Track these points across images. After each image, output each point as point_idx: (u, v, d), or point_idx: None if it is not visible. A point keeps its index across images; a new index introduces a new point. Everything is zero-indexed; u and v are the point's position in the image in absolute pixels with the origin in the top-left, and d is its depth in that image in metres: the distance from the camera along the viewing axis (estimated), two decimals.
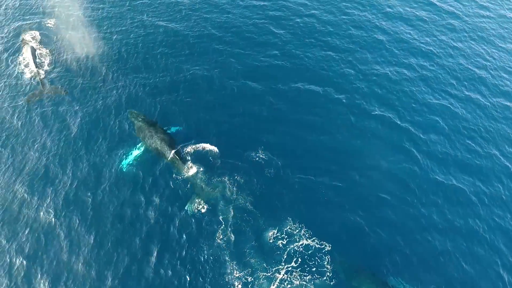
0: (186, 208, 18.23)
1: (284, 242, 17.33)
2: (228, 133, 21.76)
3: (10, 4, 30.72)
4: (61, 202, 18.32)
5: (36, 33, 26.63)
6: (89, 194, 18.68)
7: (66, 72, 24.91)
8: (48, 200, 18.42)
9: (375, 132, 22.47)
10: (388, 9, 32.58)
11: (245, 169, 19.90)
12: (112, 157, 20.17)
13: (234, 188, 19.07)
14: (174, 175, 19.52)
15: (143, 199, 18.61)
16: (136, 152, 20.25)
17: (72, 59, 25.90)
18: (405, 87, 25.56)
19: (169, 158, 19.83)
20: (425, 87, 25.76)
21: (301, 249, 17.18)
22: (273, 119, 22.75)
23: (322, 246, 17.32)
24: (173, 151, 19.91)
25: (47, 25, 28.52)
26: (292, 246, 17.26)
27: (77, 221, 17.75)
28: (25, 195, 18.57)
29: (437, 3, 33.88)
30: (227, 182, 19.27)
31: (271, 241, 17.35)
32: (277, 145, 21.15)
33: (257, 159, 20.45)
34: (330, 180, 19.75)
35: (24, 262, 16.49)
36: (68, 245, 16.99)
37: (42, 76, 23.38)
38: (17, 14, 29.61)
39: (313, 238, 17.57)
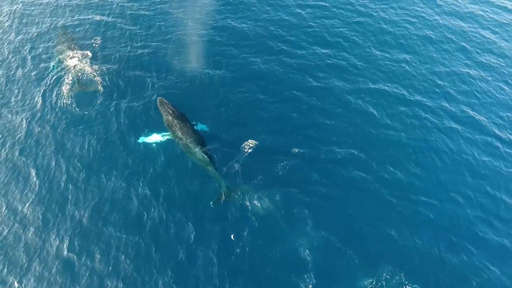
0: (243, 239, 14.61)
1: None
2: (288, 139, 18.09)
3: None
4: None
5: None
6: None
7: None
8: None
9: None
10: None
11: (323, 193, 16.14)
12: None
13: (313, 220, 15.23)
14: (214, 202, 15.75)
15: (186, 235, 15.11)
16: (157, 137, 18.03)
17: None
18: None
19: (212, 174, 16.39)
20: None
21: None
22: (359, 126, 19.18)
23: None
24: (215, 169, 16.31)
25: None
26: None
27: None
28: None
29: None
30: (304, 210, 15.44)
31: None
32: (362, 162, 17.51)
33: (336, 181, 16.70)
34: (436, 215, 15.87)
35: None
36: None
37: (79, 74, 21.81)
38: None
39: (415, 286, 13.63)
